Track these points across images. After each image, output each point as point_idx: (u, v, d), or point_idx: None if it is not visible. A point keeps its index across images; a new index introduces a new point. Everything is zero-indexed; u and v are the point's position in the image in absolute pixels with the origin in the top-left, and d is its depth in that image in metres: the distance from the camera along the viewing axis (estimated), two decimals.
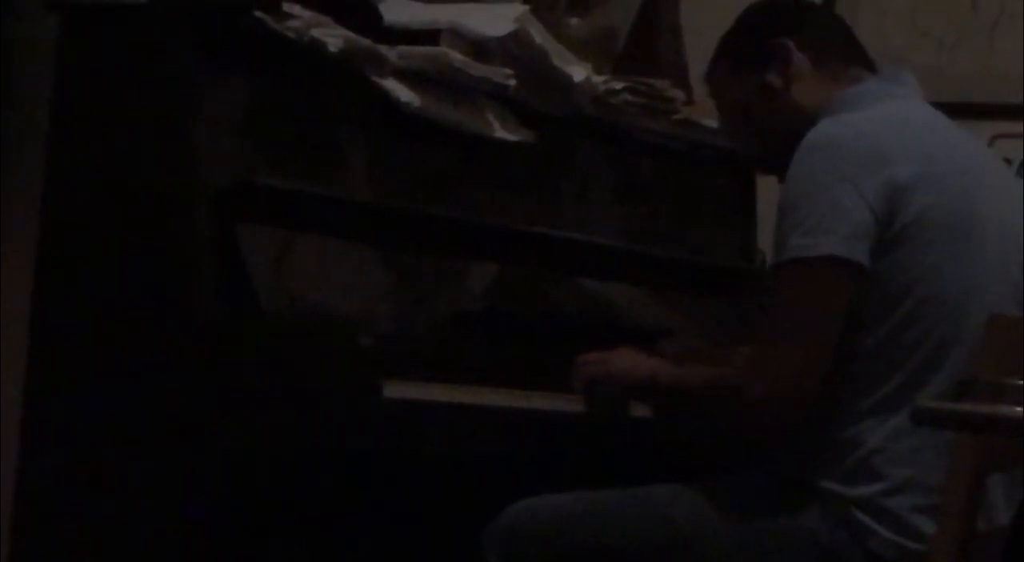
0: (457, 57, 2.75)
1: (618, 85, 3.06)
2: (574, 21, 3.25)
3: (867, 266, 2.21)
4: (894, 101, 2.39)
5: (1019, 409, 1.70)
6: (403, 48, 2.70)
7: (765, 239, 3.01)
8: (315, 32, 2.54)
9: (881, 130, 2.28)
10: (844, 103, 2.38)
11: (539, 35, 2.92)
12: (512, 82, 2.83)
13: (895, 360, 2.24)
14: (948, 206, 2.26)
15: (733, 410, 2.24)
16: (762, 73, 2.48)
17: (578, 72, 2.98)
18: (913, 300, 2.24)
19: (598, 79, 3.04)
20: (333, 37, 2.56)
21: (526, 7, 2.99)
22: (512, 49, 2.88)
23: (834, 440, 2.25)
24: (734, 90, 2.53)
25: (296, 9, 2.53)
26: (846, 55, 2.50)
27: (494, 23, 2.84)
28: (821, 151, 2.26)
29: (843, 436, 2.25)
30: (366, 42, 2.62)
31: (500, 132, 2.83)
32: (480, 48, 2.83)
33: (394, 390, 2.34)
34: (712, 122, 3.11)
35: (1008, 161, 3.49)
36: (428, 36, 2.77)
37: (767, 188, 2.96)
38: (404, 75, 2.69)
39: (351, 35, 2.59)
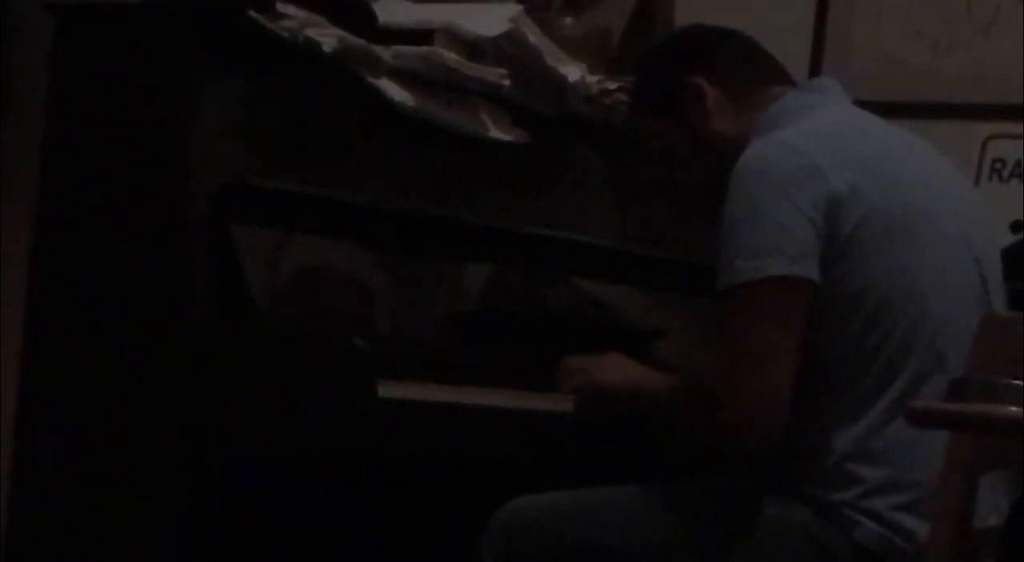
0: (451, 57, 2.75)
1: (612, 85, 3.05)
2: (568, 21, 3.25)
3: (817, 281, 2.21)
4: (817, 110, 2.38)
5: (1014, 408, 1.70)
6: (397, 48, 2.70)
7: None
8: (309, 32, 2.54)
9: (812, 144, 2.27)
10: (769, 121, 2.37)
11: (533, 35, 2.92)
12: (506, 82, 2.83)
13: (859, 365, 2.24)
14: (888, 209, 2.25)
15: (711, 426, 2.24)
16: (680, 114, 2.47)
17: (572, 72, 2.98)
18: (870, 305, 2.23)
19: (592, 79, 3.04)
20: (327, 37, 2.56)
21: (520, 7, 2.99)
22: (506, 49, 2.88)
23: (808, 448, 2.25)
24: (657, 130, 2.53)
25: (290, 9, 2.53)
26: (761, 75, 2.48)
27: (488, 23, 2.84)
28: (756, 173, 2.25)
29: (815, 444, 2.25)
30: (360, 42, 2.62)
31: (494, 132, 2.83)
32: (474, 48, 2.84)
33: (388, 390, 2.34)
34: None
35: (1003, 162, 3.49)
36: (422, 36, 2.77)
37: None
38: (398, 75, 2.69)
39: (345, 35, 2.59)
